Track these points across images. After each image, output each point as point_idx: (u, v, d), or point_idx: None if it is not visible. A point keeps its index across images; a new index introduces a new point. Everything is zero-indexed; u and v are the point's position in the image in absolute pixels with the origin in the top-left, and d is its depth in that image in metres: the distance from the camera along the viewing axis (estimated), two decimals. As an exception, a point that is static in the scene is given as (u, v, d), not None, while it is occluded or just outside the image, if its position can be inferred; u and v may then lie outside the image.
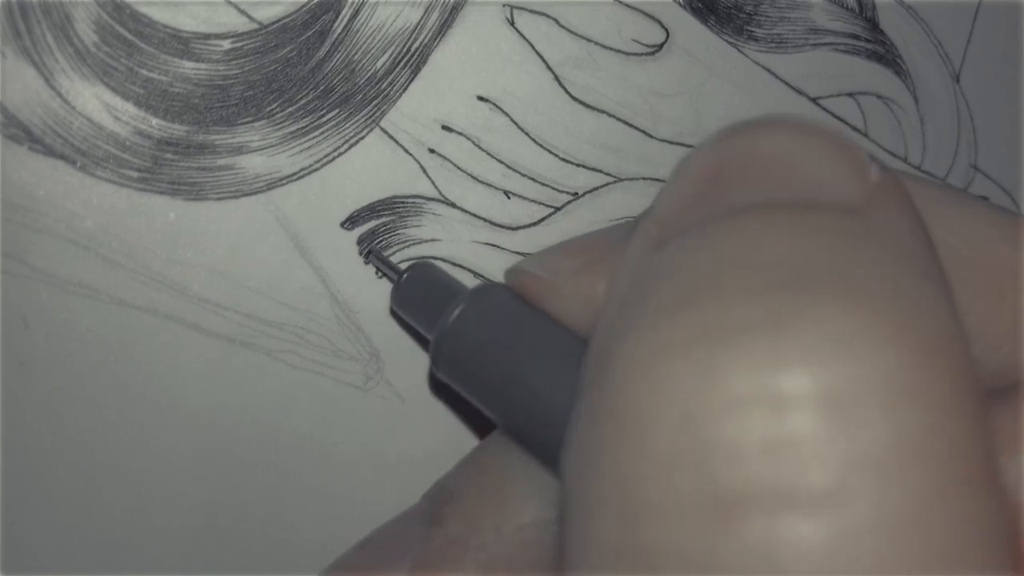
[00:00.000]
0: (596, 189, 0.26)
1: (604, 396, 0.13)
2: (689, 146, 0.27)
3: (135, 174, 0.22)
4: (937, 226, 0.15)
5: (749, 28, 0.27)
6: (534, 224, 0.25)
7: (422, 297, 0.22)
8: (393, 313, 0.24)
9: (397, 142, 0.24)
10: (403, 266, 0.23)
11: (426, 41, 0.24)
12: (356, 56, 0.24)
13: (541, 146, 0.25)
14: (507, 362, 0.19)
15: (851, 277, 0.12)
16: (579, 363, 0.17)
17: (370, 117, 0.24)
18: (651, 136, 0.26)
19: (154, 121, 0.22)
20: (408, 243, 0.24)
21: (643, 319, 0.13)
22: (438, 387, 0.24)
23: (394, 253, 0.24)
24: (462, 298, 0.20)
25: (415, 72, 0.24)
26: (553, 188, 0.26)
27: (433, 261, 0.24)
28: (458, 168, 0.25)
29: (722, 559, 0.11)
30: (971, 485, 0.11)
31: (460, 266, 0.25)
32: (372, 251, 0.24)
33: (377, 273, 0.24)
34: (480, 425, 0.25)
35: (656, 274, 0.14)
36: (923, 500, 0.11)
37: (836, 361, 0.11)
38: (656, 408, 0.12)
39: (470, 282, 0.25)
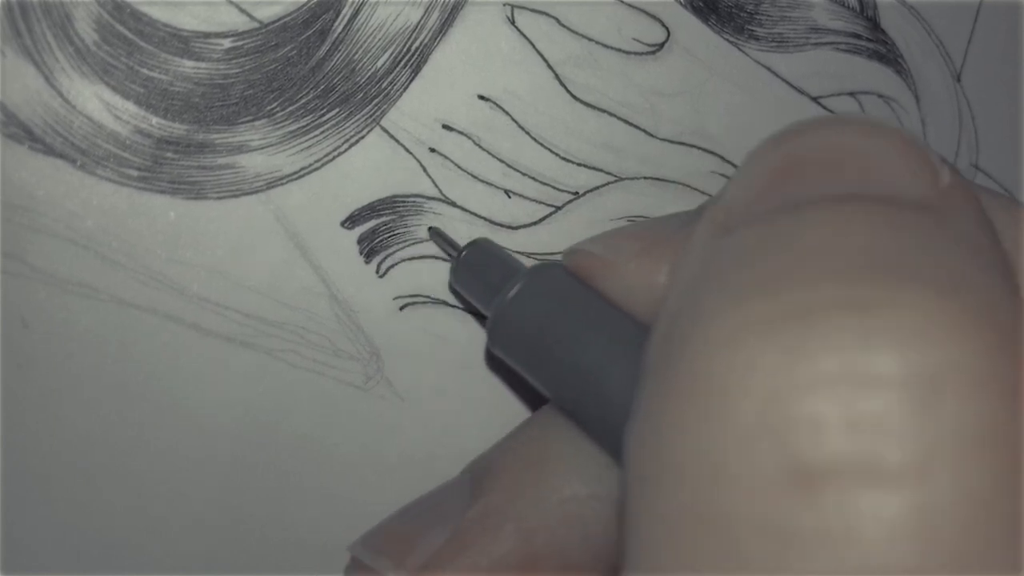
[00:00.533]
0: (597, 188, 0.26)
1: (682, 370, 0.13)
2: (690, 145, 0.27)
3: (135, 173, 0.22)
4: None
5: (750, 27, 0.27)
6: (535, 223, 0.25)
7: (481, 274, 0.22)
8: (452, 289, 0.24)
9: (398, 141, 0.24)
10: (462, 244, 0.23)
11: (426, 40, 0.24)
12: (356, 55, 0.24)
13: (542, 145, 0.25)
14: (563, 340, 0.19)
15: (933, 268, 0.13)
16: (635, 343, 0.17)
17: (371, 116, 0.24)
18: (652, 135, 0.26)
19: (154, 120, 0.22)
20: (408, 242, 0.24)
21: (724, 297, 0.13)
22: (493, 363, 0.25)
23: (394, 252, 0.24)
24: (520, 276, 0.20)
25: (416, 71, 0.24)
26: (554, 187, 0.26)
27: (490, 239, 0.24)
28: (459, 167, 0.25)
29: (802, 529, 0.11)
30: None
31: (461, 265, 0.25)
32: (433, 228, 0.24)
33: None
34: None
35: (730, 257, 0.14)
36: (999, 483, 0.11)
37: (923, 345, 0.12)
38: (741, 381, 0.12)
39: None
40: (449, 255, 0.24)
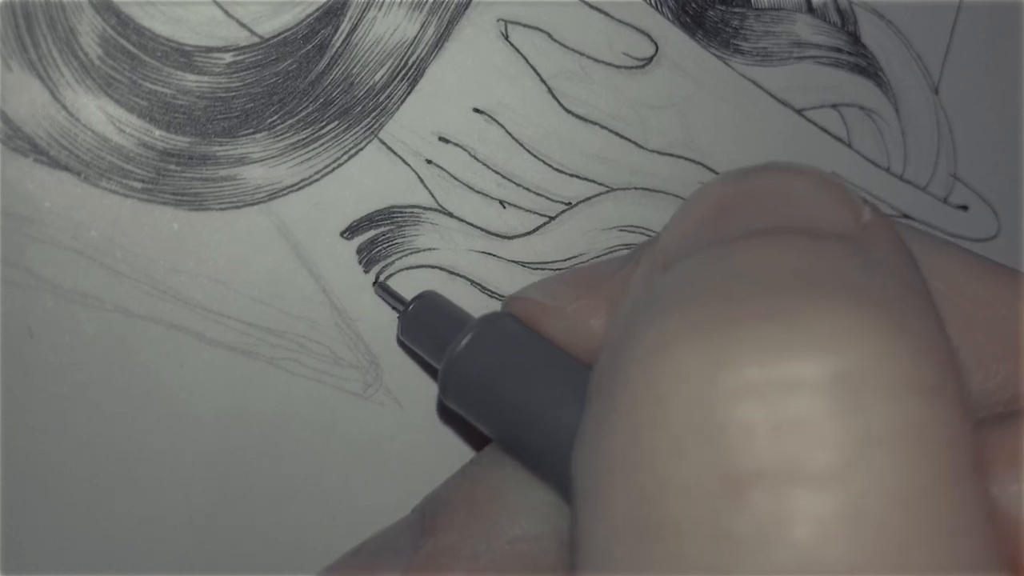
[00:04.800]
0: (589, 199, 0.27)
1: (618, 385, 0.13)
2: (679, 156, 0.27)
3: (139, 185, 0.22)
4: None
5: (735, 42, 0.28)
6: (529, 233, 0.26)
7: (429, 327, 0.23)
8: (400, 342, 0.24)
9: (395, 153, 0.25)
10: (411, 293, 0.24)
11: (423, 55, 0.25)
12: (355, 69, 0.24)
13: (535, 157, 0.26)
14: (513, 387, 0.19)
15: (855, 283, 0.13)
16: (580, 383, 0.18)
17: (369, 129, 0.24)
18: (642, 147, 0.27)
19: (157, 133, 0.23)
20: (406, 252, 0.25)
21: (656, 313, 0.14)
22: (446, 414, 0.25)
23: (393, 262, 0.25)
24: (468, 327, 0.20)
25: (412, 85, 0.25)
26: (547, 198, 0.26)
27: (436, 291, 0.24)
28: (455, 178, 0.25)
29: (734, 531, 0.12)
30: (963, 475, 0.12)
31: (457, 274, 0.25)
32: (379, 283, 0.24)
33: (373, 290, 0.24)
34: (479, 434, 0.25)
35: (664, 288, 0.15)
36: (923, 481, 0.12)
37: (843, 349, 0.12)
38: (671, 390, 0.13)
39: (467, 292, 0.25)
40: (396, 309, 0.24)
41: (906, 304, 0.13)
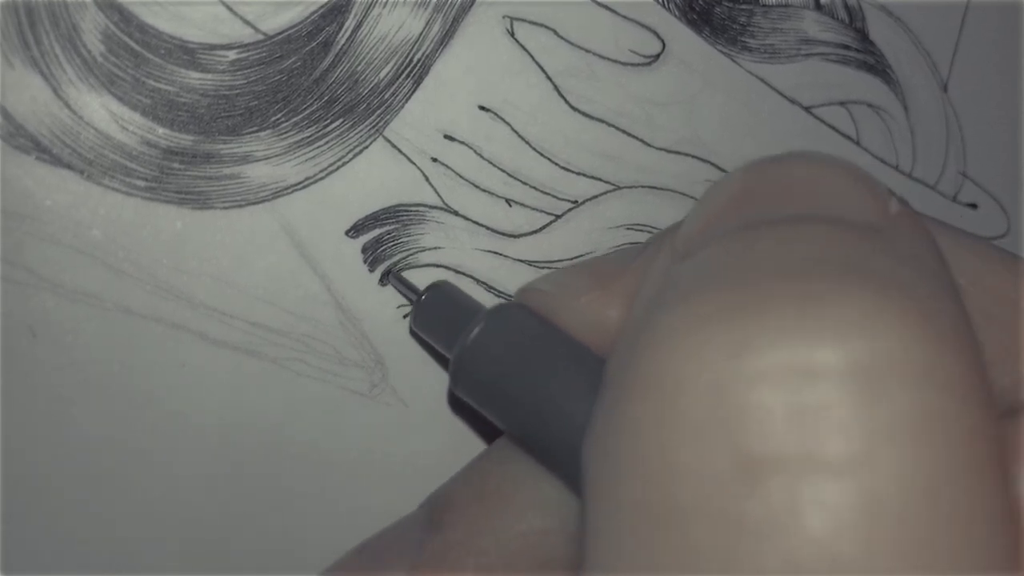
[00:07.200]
0: (595, 197, 0.26)
1: (634, 371, 0.13)
2: (685, 154, 0.27)
3: (142, 183, 0.22)
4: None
5: (743, 39, 0.28)
6: (535, 232, 0.26)
7: (441, 317, 0.23)
8: (412, 333, 0.24)
9: (400, 151, 0.24)
10: (421, 287, 0.24)
11: (428, 52, 0.24)
12: (360, 67, 0.24)
13: (541, 155, 0.26)
14: (525, 377, 0.19)
15: (881, 272, 0.13)
16: (593, 372, 0.17)
17: (374, 127, 0.24)
18: (648, 144, 0.27)
19: (161, 131, 0.22)
20: (412, 251, 0.25)
21: (676, 299, 0.13)
22: (457, 405, 0.25)
23: (398, 261, 0.24)
24: (480, 317, 0.20)
25: (417, 82, 0.24)
26: (553, 196, 0.26)
27: (450, 281, 0.24)
28: (460, 177, 0.25)
29: (749, 517, 0.12)
30: (985, 468, 0.12)
31: (463, 273, 0.25)
32: (391, 272, 0.24)
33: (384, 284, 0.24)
34: (485, 431, 0.25)
35: (684, 275, 0.14)
36: (943, 472, 0.12)
37: (864, 337, 0.12)
38: (689, 373, 0.12)
39: (473, 290, 0.25)
40: (408, 299, 0.24)
41: (932, 295, 0.13)
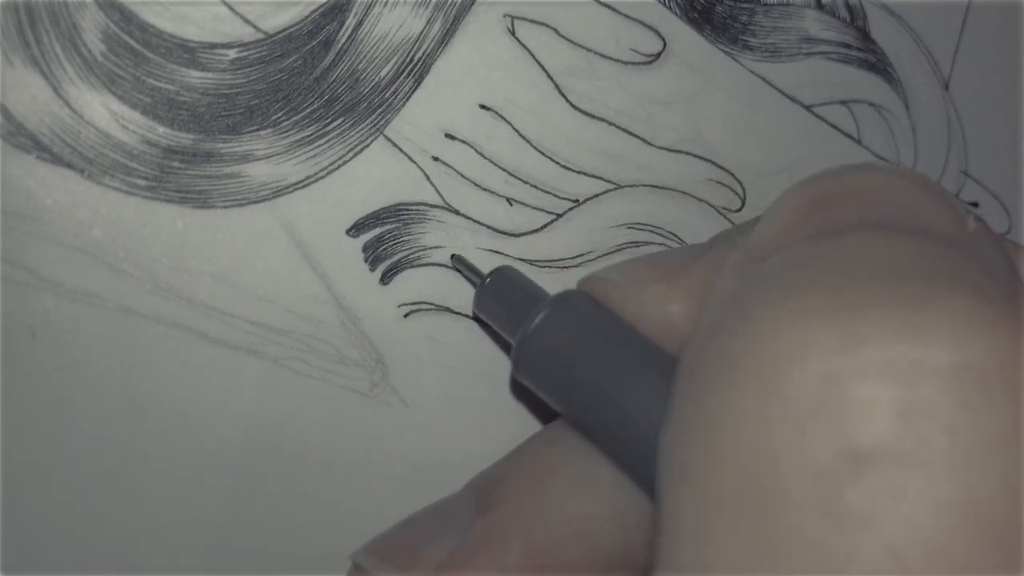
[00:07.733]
0: (597, 196, 0.26)
1: (732, 361, 0.13)
2: (687, 153, 0.27)
3: (142, 182, 0.22)
4: None
5: (744, 38, 0.28)
6: (536, 231, 0.26)
7: (504, 301, 0.23)
8: (475, 316, 0.24)
9: (401, 150, 0.24)
10: (485, 271, 0.24)
11: (429, 51, 0.24)
12: (360, 65, 0.24)
13: (542, 153, 0.26)
14: (588, 364, 0.19)
15: (976, 281, 0.13)
16: (658, 364, 0.18)
17: (374, 126, 0.24)
18: (650, 143, 0.27)
19: (161, 130, 0.22)
20: (412, 250, 0.25)
21: (776, 295, 0.14)
22: (518, 389, 0.25)
23: (398, 260, 0.24)
24: (544, 303, 0.21)
25: (418, 81, 0.24)
26: (554, 195, 0.26)
27: (513, 267, 0.24)
28: (461, 176, 0.25)
29: (852, 506, 0.12)
30: None
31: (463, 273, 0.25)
32: (455, 256, 0.24)
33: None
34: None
35: (771, 273, 0.15)
36: None
37: (975, 340, 0.12)
38: (795, 365, 0.13)
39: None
40: (472, 282, 0.24)
41: (1021, 307, 0.13)
